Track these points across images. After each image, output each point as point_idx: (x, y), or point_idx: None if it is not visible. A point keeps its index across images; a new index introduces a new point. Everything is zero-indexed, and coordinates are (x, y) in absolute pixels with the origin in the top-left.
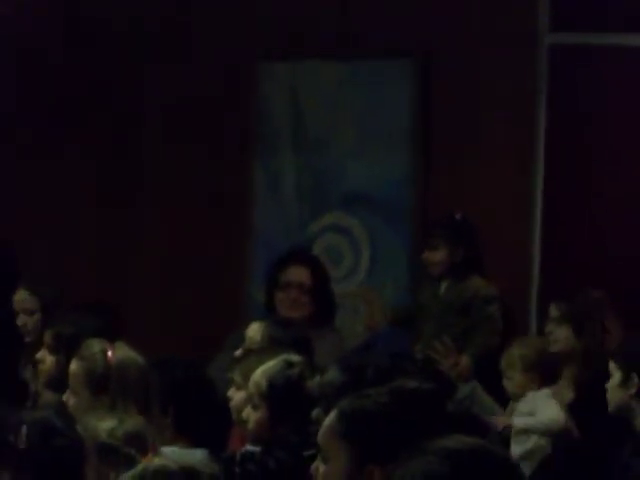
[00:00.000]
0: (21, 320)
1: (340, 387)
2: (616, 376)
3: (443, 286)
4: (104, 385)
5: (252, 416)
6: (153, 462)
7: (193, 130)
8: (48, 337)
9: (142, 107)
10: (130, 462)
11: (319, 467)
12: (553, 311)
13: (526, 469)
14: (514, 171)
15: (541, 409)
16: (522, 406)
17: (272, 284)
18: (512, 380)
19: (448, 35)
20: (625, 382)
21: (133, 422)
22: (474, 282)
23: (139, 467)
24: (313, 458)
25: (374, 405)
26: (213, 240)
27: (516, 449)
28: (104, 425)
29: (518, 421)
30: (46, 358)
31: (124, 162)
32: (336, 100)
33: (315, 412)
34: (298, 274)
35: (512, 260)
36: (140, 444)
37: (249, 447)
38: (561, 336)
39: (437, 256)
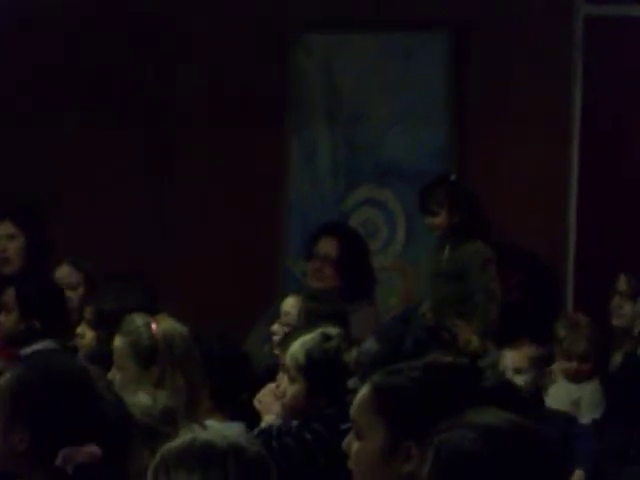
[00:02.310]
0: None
1: (377, 357)
2: None
3: (445, 251)
4: (151, 358)
5: (289, 389)
6: (200, 435)
7: (228, 103)
8: (89, 313)
9: (176, 81)
10: (165, 440)
11: (352, 443)
12: (622, 284)
13: None
14: (550, 142)
15: (586, 407)
16: (575, 391)
17: (305, 256)
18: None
19: (483, 6)
20: None
21: (166, 398)
22: (472, 246)
23: (186, 440)
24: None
25: (408, 380)
26: (249, 213)
27: None
28: (138, 402)
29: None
30: (86, 333)
31: (160, 132)
32: (371, 72)
33: (351, 381)
34: (324, 245)
35: (548, 230)
36: (173, 420)
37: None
38: (629, 312)
39: (437, 220)
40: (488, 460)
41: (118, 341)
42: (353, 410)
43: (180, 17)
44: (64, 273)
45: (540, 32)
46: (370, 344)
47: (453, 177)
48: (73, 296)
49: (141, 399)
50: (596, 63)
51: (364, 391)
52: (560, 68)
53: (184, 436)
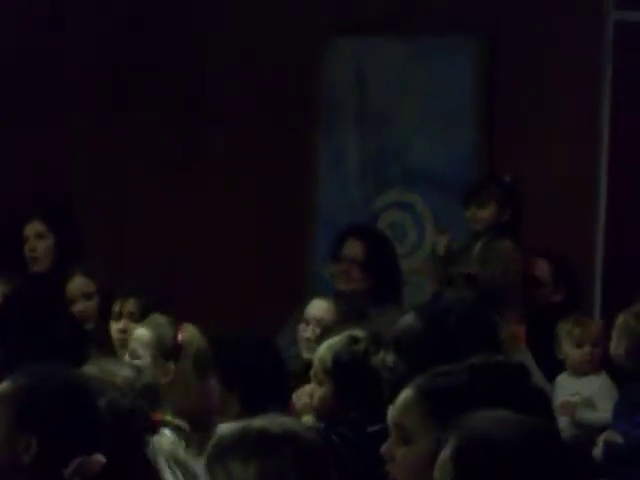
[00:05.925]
0: (80, 306)
1: (421, 335)
2: None
3: (477, 246)
4: (168, 359)
5: (317, 392)
6: (253, 423)
7: (257, 105)
8: (131, 306)
9: (205, 79)
10: (142, 416)
11: (395, 448)
12: None
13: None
14: (579, 147)
15: (601, 404)
16: (583, 388)
17: (332, 258)
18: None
19: (512, 11)
20: None
21: (149, 375)
22: (505, 243)
23: (238, 428)
24: (377, 434)
25: (458, 382)
26: (276, 216)
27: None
28: (123, 373)
29: (582, 414)
30: (131, 328)
31: (186, 131)
32: (400, 76)
33: (389, 358)
34: (350, 248)
35: (577, 234)
36: (153, 398)
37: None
38: None
39: (485, 213)
40: (506, 458)
41: (141, 331)
42: (397, 414)
43: (210, 20)
44: (78, 284)
45: (570, 37)
46: (409, 320)
47: (507, 179)
48: (89, 306)
49: (126, 372)
50: (626, 68)
51: (408, 394)
52: (590, 73)
53: (236, 424)
